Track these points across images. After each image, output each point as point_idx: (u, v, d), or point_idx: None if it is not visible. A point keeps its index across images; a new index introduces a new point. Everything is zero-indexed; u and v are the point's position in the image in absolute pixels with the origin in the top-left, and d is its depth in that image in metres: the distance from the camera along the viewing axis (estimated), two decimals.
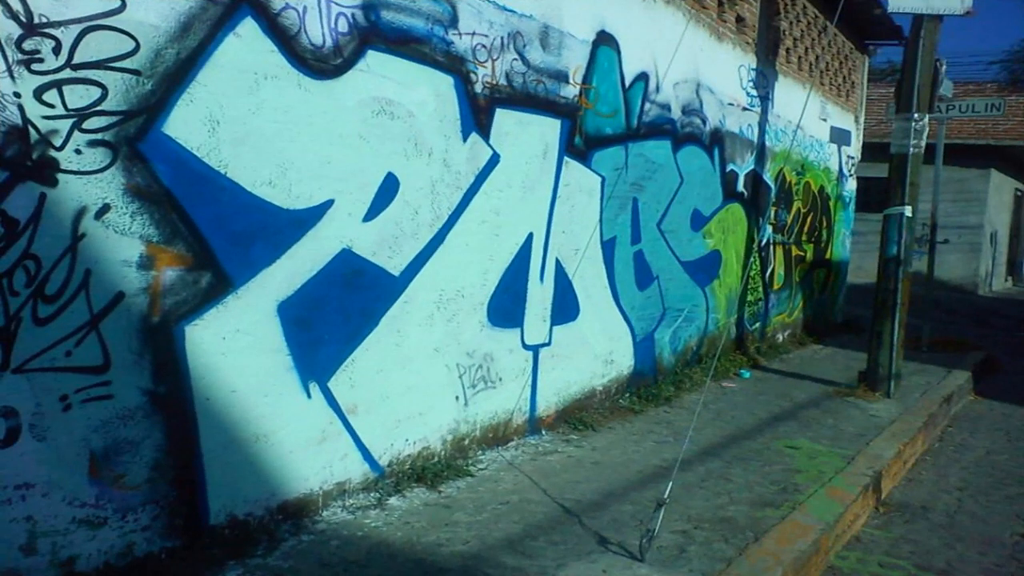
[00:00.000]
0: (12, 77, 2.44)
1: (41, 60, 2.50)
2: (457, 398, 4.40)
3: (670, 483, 3.58)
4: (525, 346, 4.92)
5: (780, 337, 9.39)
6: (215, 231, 3.03)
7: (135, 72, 2.72)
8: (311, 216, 3.42)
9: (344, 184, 3.55)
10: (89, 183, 2.65)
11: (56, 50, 2.52)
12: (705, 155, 7.00)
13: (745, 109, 7.67)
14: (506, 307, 4.70)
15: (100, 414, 2.75)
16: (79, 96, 2.59)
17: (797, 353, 9.14)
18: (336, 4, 3.42)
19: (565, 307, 5.27)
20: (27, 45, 2.46)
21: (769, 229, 8.73)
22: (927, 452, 6.03)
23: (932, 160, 10.02)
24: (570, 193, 5.16)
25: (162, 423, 2.94)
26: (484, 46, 4.27)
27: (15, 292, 2.51)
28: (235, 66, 3.03)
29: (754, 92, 7.85)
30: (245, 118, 3.09)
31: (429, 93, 3.94)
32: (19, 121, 2.47)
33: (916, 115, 6.75)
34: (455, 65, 4.09)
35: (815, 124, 9.58)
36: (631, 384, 6.14)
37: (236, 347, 3.17)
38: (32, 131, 2.50)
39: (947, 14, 6.69)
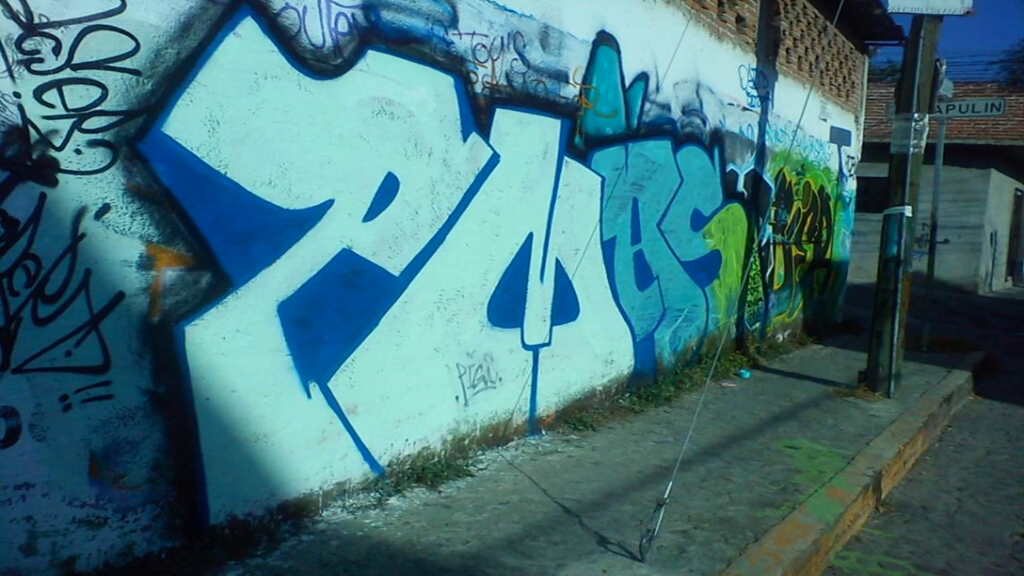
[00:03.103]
0: (12, 77, 2.44)
1: (41, 60, 2.50)
2: (457, 398, 4.40)
3: (670, 483, 3.58)
4: (525, 346, 4.92)
5: (780, 337, 9.39)
6: (215, 231, 3.03)
7: (135, 72, 2.72)
8: (311, 216, 3.42)
9: (344, 184, 3.55)
10: (89, 183, 2.65)
11: (56, 50, 2.53)
12: (705, 155, 7.00)
13: (745, 109, 7.67)
14: (506, 307, 4.70)
15: (100, 414, 2.75)
16: (79, 96, 2.59)
17: (797, 353, 9.14)
18: (336, 4, 3.42)
19: (565, 307, 5.27)
20: (27, 45, 2.46)
21: (769, 229, 8.73)
22: (927, 452, 6.03)
23: (932, 160, 10.03)
24: (570, 193, 5.16)
25: (162, 423, 2.94)
26: (484, 46, 4.27)
27: (15, 292, 2.51)
28: (235, 66, 3.03)
29: (754, 92, 7.85)
30: (245, 118, 3.09)
31: (429, 93, 3.94)
32: (19, 121, 2.47)
33: (916, 115, 6.75)
34: (455, 65, 4.09)
35: (815, 124, 9.57)
36: (631, 384, 6.14)
37: (236, 347, 3.17)
38: (32, 131, 2.50)
39: (947, 14, 6.70)
